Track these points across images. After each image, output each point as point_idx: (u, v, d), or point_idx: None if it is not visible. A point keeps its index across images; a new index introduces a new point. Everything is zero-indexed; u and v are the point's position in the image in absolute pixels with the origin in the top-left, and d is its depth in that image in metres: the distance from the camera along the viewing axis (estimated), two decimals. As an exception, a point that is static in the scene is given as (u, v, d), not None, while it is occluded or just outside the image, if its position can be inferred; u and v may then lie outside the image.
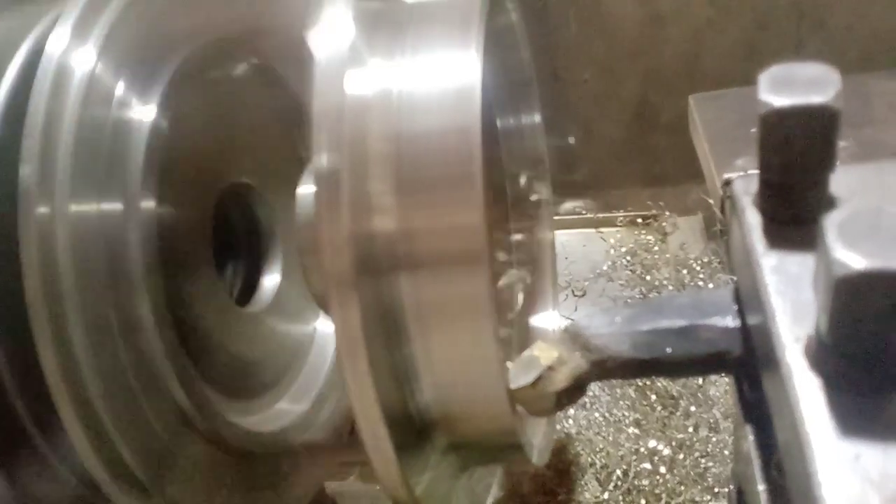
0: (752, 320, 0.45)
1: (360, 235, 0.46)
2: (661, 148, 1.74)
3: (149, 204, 0.58)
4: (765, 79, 0.43)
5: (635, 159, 1.75)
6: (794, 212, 0.43)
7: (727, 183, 1.37)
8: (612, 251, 1.47)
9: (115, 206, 0.55)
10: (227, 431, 0.65)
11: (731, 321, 0.50)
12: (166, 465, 0.58)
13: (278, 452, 0.73)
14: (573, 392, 0.55)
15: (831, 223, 0.31)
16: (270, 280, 0.83)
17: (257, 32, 0.72)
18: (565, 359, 0.54)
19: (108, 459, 0.53)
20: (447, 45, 0.52)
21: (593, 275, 1.42)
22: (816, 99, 0.40)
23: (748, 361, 0.49)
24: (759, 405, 0.50)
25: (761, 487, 0.50)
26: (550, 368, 0.54)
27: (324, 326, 0.88)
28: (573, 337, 0.55)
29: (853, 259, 0.30)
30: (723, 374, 1.06)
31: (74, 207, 0.52)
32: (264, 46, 0.76)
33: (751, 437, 0.52)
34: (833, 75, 0.40)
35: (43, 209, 0.50)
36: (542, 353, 0.55)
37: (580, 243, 1.48)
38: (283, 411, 0.76)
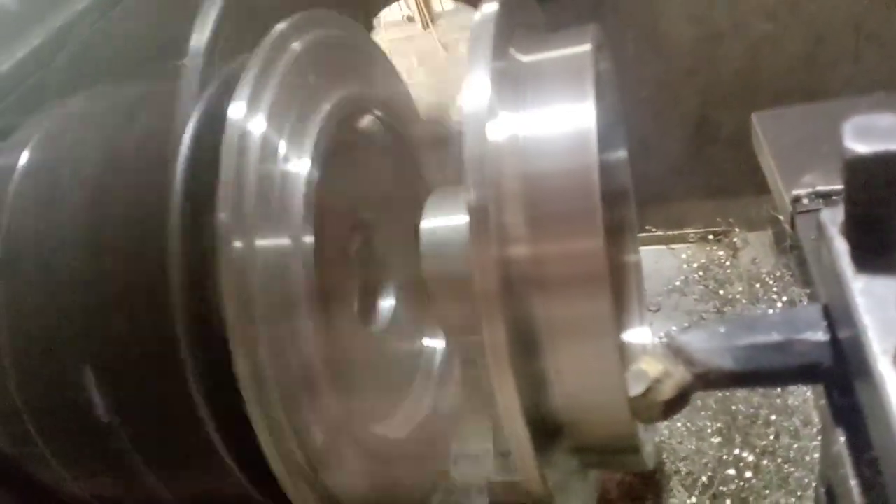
0: (844, 335, 0.52)
1: (502, 260, 0.56)
2: (721, 161, 1.77)
3: (308, 239, 0.69)
4: (849, 128, 0.50)
5: (696, 173, 1.79)
6: (878, 241, 0.50)
7: (796, 199, 1.42)
8: (684, 266, 1.52)
9: (285, 242, 0.67)
10: (365, 435, 0.75)
11: (821, 335, 0.57)
12: (322, 461, 0.68)
13: (404, 458, 0.83)
14: (679, 402, 0.62)
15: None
16: (387, 303, 0.93)
17: (379, 90, 0.83)
18: (671, 371, 0.62)
19: (281, 448, 0.64)
20: (564, 96, 0.62)
21: (666, 290, 1.48)
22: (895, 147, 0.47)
23: (838, 371, 0.56)
24: (850, 410, 0.57)
25: (853, 483, 0.57)
26: (658, 380, 0.62)
27: (430, 343, 0.98)
28: (676, 352, 0.63)
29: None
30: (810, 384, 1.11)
31: (259, 243, 0.63)
32: (382, 101, 0.87)
33: (842, 439, 0.58)
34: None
35: (238, 245, 0.62)
36: (650, 367, 0.63)
37: (652, 260, 1.55)
38: (406, 418, 0.86)
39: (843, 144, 0.48)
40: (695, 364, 0.60)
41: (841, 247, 0.52)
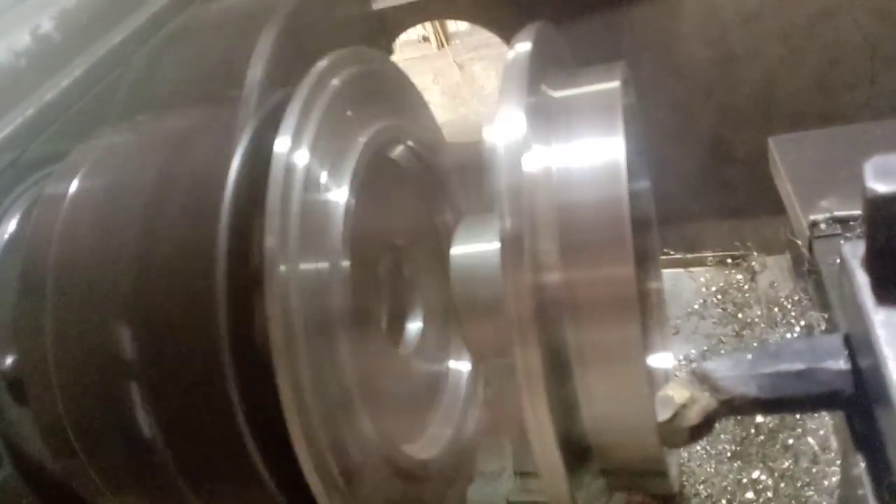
0: (865, 364, 0.55)
1: (535, 287, 0.58)
2: (737, 182, 1.78)
3: (345, 264, 0.72)
4: (869, 168, 0.52)
5: (711, 194, 1.80)
6: (898, 274, 0.52)
7: (814, 224, 1.43)
8: (703, 290, 1.54)
9: (324, 266, 0.70)
10: (396, 455, 0.78)
11: (843, 364, 0.59)
12: (357, 479, 0.71)
13: (431, 478, 0.85)
14: (704, 427, 0.64)
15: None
16: (414, 326, 0.96)
17: (410, 121, 0.86)
18: (697, 398, 0.64)
19: (319, 465, 0.66)
20: (594, 130, 0.65)
21: (685, 313, 1.50)
22: (915, 186, 0.50)
23: (859, 399, 0.58)
24: (870, 437, 0.58)
25: (873, 504, 0.58)
26: (684, 406, 0.64)
27: (455, 365, 1.01)
28: (701, 378, 0.65)
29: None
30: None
31: (303, 267, 0.67)
32: (413, 131, 0.91)
33: (862, 464, 0.60)
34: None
35: (283, 268, 0.65)
36: (676, 393, 0.65)
37: (670, 283, 1.56)
38: (434, 438, 0.88)
39: (864, 184, 0.50)
40: (720, 391, 0.62)
41: (862, 279, 0.54)
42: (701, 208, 1.76)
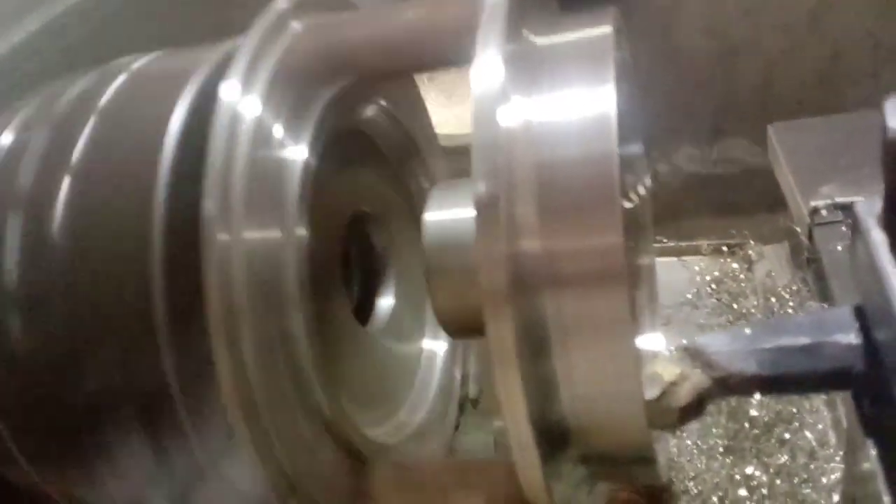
0: (881, 334, 0.48)
1: (511, 256, 0.51)
2: (735, 177, 1.74)
3: (301, 232, 0.64)
4: (890, 106, 0.46)
5: (710, 188, 1.75)
6: (920, 230, 0.46)
7: (814, 211, 1.37)
8: (696, 279, 1.48)
9: (275, 234, 0.62)
10: (357, 440, 0.71)
11: (853, 338, 0.52)
12: (308, 466, 0.64)
13: (397, 466, 0.78)
14: (695, 408, 0.58)
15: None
16: (385, 302, 0.89)
17: (383, 76, 0.79)
18: (688, 375, 0.58)
19: (264, 451, 0.59)
20: (582, 80, 0.57)
21: (678, 303, 1.44)
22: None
23: (870, 377, 0.52)
24: (882, 420, 0.52)
25: (887, 501, 0.52)
26: (673, 384, 0.58)
27: (430, 346, 0.94)
28: (693, 355, 0.58)
29: None
30: (827, 394, 1.06)
31: (247, 235, 0.59)
32: (386, 89, 0.83)
33: (872, 452, 0.54)
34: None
35: (223, 236, 0.58)
36: (665, 370, 0.58)
37: (663, 272, 1.49)
38: (401, 424, 0.81)
39: (884, 124, 0.44)
40: (714, 368, 0.56)
41: (879, 238, 0.47)
42: (698, 203, 1.72)
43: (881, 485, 0.52)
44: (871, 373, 0.51)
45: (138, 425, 0.67)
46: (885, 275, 0.45)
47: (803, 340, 0.53)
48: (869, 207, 0.50)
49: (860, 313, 0.52)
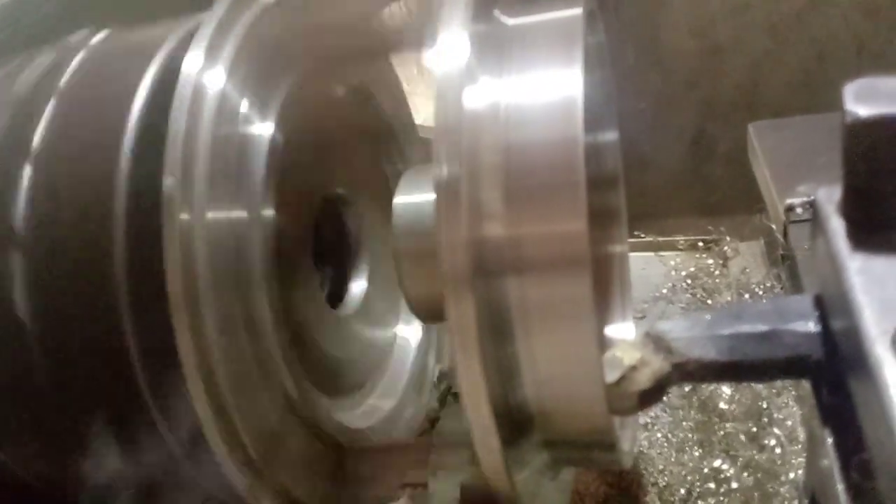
0: (838, 321, 0.48)
1: (473, 240, 0.51)
2: (718, 178, 1.75)
3: (268, 212, 0.64)
4: (850, 90, 0.46)
5: (692, 188, 1.76)
6: (878, 217, 0.46)
7: (789, 209, 1.38)
8: (672, 273, 1.48)
9: (241, 214, 0.62)
10: (326, 424, 0.70)
11: (812, 326, 0.52)
12: (274, 450, 0.63)
13: (366, 450, 0.78)
14: (655, 393, 0.58)
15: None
16: (358, 286, 0.88)
17: (356, 56, 0.78)
18: (648, 360, 0.58)
19: (228, 437, 0.59)
20: (550, 62, 0.57)
21: (653, 297, 1.44)
22: (900, 108, 0.43)
23: (829, 365, 0.52)
24: (839, 409, 0.52)
25: (840, 489, 0.52)
26: (633, 369, 0.58)
27: (403, 331, 0.93)
28: (655, 340, 0.58)
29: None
30: (789, 387, 1.07)
31: (210, 215, 0.58)
32: (359, 69, 0.83)
33: (829, 440, 0.54)
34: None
35: (184, 216, 0.57)
36: (625, 354, 0.58)
37: (638, 267, 1.50)
38: (372, 409, 0.81)
39: (843, 107, 0.44)
40: (674, 353, 0.56)
41: (837, 225, 0.47)
42: (680, 204, 1.73)
43: (837, 476, 0.53)
44: (828, 361, 0.51)
45: (104, 408, 0.66)
46: (841, 262, 0.45)
47: (762, 327, 0.53)
48: (829, 195, 0.50)
49: (819, 302, 0.53)
